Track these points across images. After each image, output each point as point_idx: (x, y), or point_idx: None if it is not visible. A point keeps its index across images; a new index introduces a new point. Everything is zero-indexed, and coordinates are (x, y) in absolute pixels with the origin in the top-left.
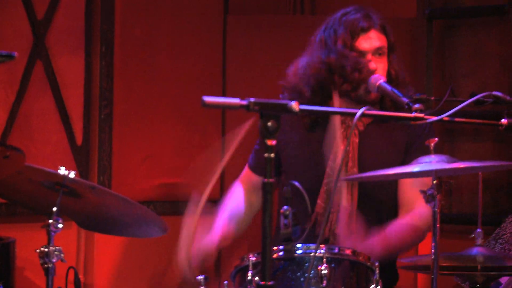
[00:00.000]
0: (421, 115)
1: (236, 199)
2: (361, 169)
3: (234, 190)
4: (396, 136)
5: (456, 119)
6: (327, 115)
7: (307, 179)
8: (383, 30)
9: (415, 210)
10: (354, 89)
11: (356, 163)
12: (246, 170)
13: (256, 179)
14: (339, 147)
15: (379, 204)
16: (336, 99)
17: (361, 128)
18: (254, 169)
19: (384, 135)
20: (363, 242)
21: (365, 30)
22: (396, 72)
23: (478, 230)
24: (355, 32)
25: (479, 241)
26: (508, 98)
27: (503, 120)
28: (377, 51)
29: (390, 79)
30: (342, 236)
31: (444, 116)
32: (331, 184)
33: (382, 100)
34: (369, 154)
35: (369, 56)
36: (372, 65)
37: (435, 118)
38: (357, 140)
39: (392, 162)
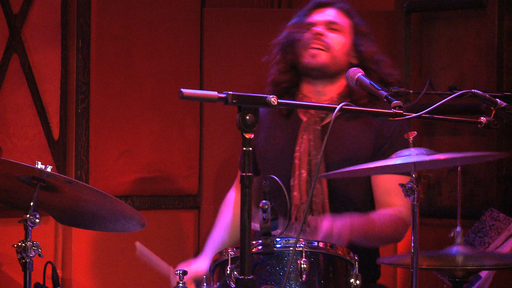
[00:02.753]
0: (401, 111)
1: (230, 208)
2: (327, 162)
3: (227, 198)
4: (364, 130)
5: (435, 116)
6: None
7: (278, 173)
8: (345, 12)
9: (395, 206)
10: (304, 61)
11: (318, 150)
12: (238, 173)
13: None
14: (302, 137)
15: (347, 199)
16: (303, 79)
17: (322, 115)
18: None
19: (351, 129)
20: (335, 222)
21: (321, 6)
22: (362, 55)
23: (457, 229)
24: (310, 8)
25: (459, 240)
26: (487, 95)
27: (482, 118)
28: (330, 25)
29: (359, 60)
30: (316, 226)
31: (423, 113)
32: (302, 175)
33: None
34: (335, 147)
35: (319, 26)
36: (317, 29)
37: (414, 114)
38: (318, 128)
39: (359, 156)
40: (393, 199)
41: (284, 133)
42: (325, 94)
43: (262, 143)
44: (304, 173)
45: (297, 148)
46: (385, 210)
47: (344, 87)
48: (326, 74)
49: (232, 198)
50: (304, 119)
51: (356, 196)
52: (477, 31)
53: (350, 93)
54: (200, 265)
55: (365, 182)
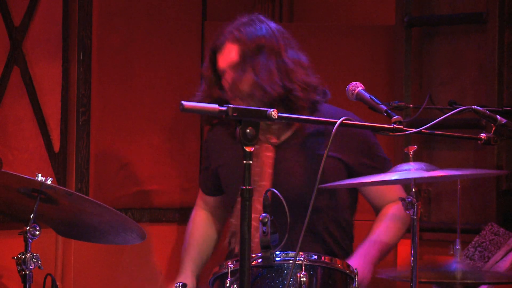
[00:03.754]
0: (401, 126)
1: (199, 228)
2: (275, 183)
3: (194, 218)
4: (316, 150)
5: (436, 132)
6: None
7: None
8: (234, 40)
9: (392, 203)
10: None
11: (270, 177)
12: (200, 193)
13: (209, 199)
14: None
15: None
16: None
17: (276, 143)
18: (204, 189)
19: (302, 150)
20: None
21: (217, 49)
22: (260, 74)
23: (457, 246)
24: (213, 55)
25: (458, 257)
26: (487, 112)
27: (482, 135)
28: (231, 65)
29: (258, 83)
30: None
31: (423, 129)
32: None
33: (286, 99)
34: (284, 169)
35: (228, 73)
36: (226, 81)
37: (414, 130)
38: (270, 155)
39: (307, 178)
40: (388, 197)
41: (235, 158)
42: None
43: (227, 164)
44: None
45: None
46: (386, 214)
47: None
48: (263, 101)
49: (198, 217)
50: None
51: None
52: (478, 46)
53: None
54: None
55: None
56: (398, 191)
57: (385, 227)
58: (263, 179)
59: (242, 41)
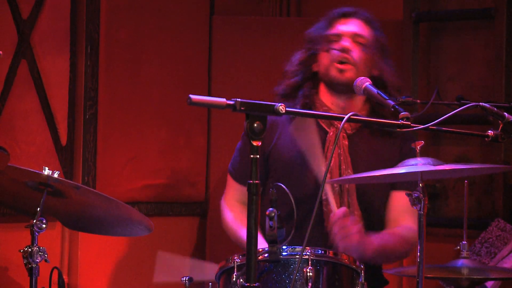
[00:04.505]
0: (408, 122)
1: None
2: (355, 170)
3: (227, 217)
4: (389, 145)
5: (443, 128)
6: (331, 119)
7: (300, 181)
8: (369, 23)
9: (403, 224)
10: (329, 75)
11: (349, 165)
12: (230, 183)
13: (243, 189)
14: (328, 151)
15: (375, 211)
16: (322, 90)
17: (349, 131)
18: (237, 179)
19: (377, 143)
20: (357, 243)
21: (346, 15)
22: (380, 73)
23: (463, 242)
24: (335, 17)
25: (464, 253)
26: (495, 109)
27: (489, 132)
28: (355, 38)
29: (373, 78)
30: (338, 237)
31: (430, 125)
32: (335, 189)
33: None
34: (361, 157)
35: (346, 39)
36: (345, 43)
37: (421, 126)
38: (346, 143)
39: (385, 165)
40: (404, 216)
41: (307, 142)
42: (350, 109)
43: (281, 144)
44: (337, 187)
45: (327, 162)
46: (392, 230)
47: (364, 102)
48: (350, 88)
49: (231, 215)
50: (330, 131)
51: (382, 208)
52: (485, 42)
53: (373, 109)
54: None
55: (387, 195)
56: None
57: (393, 235)
58: (348, 167)
59: (374, 27)
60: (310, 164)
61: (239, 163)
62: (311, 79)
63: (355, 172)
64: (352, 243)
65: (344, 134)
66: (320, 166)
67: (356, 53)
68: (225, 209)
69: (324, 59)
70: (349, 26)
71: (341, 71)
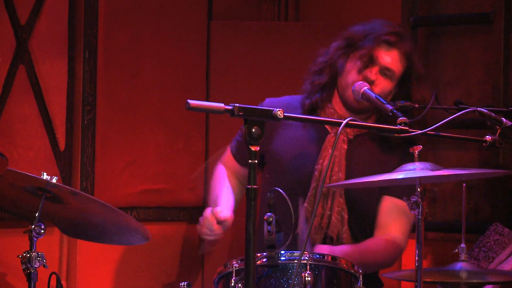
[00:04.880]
0: (406, 128)
1: (226, 182)
2: (348, 176)
3: (220, 171)
4: (388, 151)
5: (441, 133)
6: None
7: (293, 178)
8: (405, 56)
9: (389, 233)
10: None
11: (342, 169)
12: (228, 155)
13: (237, 165)
14: (328, 151)
15: (365, 214)
16: (336, 100)
17: (350, 136)
18: (235, 156)
19: (375, 145)
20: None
21: (389, 44)
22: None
23: (462, 245)
24: (379, 41)
25: (463, 256)
26: (493, 115)
27: (487, 137)
28: (385, 70)
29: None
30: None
31: (428, 130)
32: (318, 188)
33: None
34: (357, 162)
35: (376, 69)
36: (372, 76)
37: (419, 131)
38: (345, 147)
39: (381, 171)
40: (392, 223)
41: (308, 139)
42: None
43: (282, 139)
44: (325, 189)
45: (320, 161)
46: (381, 237)
47: (376, 119)
48: (362, 110)
49: (224, 173)
50: (331, 132)
51: (372, 211)
52: (484, 46)
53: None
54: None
55: (378, 199)
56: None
57: (374, 244)
58: (340, 170)
59: (409, 60)
60: (304, 160)
61: (238, 147)
62: (331, 83)
63: (347, 176)
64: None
65: (345, 138)
66: (312, 165)
67: (378, 87)
68: (218, 167)
69: (347, 76)
70: (386, 58)
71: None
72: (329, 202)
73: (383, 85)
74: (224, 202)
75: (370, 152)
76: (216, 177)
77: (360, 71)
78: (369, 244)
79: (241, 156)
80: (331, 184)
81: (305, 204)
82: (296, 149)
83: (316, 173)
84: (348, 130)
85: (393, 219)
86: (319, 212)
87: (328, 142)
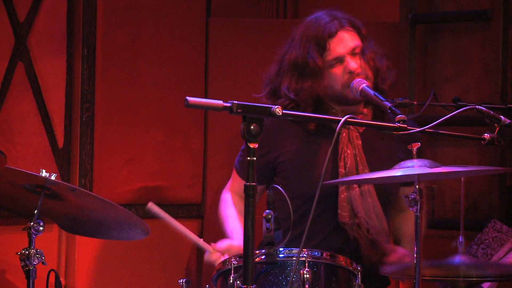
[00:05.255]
0: (404, 125)
1: (233, 207)
2: (372, 169)
3: (226, 199)
4: (395, 145)
5: (439, 131)
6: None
7: (307, 186)
8: (352, 26)
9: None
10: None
11: (365, 165)
12: (234, 177)
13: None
14: (346, 152)
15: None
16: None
17: (361, 130)
18: (241, 174)
19: (384, 144)
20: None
21: (334, 34)
22: (376, 65)
23: (461, 239)
24: (324, 37)
25: (461, 250)
26: (491, 112)
27: (485, 135)
28: (353, 51)
29: (374, 75)
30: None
31: (426, 128)
32: (355, 190)
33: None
34: (374, 154)
35: (348, 58)
36: (353, 66)
37: (417, 129)
38: (359, 142)
39: (396, 159)
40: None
41: (318, 145)
42: (363, 114)
43: (293, 152)
44: (357, 188)
45: (341, 163)
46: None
47: (367, 107)
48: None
49: (230, 199)
50: (343, 132)
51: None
52: (482, 44)
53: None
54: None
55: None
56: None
57: None
58: (364, 167)
59: (357, 27)
60: (319, 167)
61: (242, 162)
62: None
63: (371, 169)
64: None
65: (357, 133)
66: (332, 167)
67: (363, 65)
68: (223, 196)
69: (332, 82)
70: (343, 44)
71: (360, 84)
72: (368, 200)
73: (364, 61)
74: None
75: (383, 141)
76: (222, 208)
77: (340, 72)
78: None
79: (244, 171)
80: (330, 181)
81: (339, 211)
82: (311, 155)
83: (340, 176)
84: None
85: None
86: (361, 215)
87: (342, 142)
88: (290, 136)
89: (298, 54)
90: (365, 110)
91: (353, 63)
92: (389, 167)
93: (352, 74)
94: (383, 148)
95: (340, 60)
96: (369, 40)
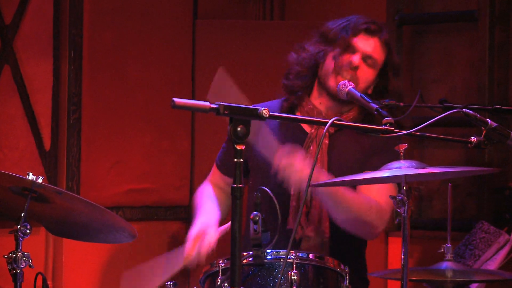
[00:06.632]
0: (391, 128)
1: (210, 196)
2: (330, 171)
3: (204, 188)
4: (364, 139)
5: (426, 134)
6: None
7: (278, 182)
8: (385, 44)
9: (375, 197)
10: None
11: (325, 165)
12: (214, 170)
13: (223, 179)
14: (309, 151)
15: None
16: (314, 95)
17: (332, 131)
18: (220, 168)
19: (354, 138)
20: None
21: (368, 32)
22: (381, 89)
23: (448, 245)
24: (359, 29)
25: (449, 255)
26: (478, 116)
27: (472, 138)
28: (367, 58)
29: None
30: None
31: (413, 131)
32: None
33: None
34: (338, 157)
35: (358, 56)
36: (356, 61)
37: (404, 132)
38: (327, 142)
39: (360, 165)
40: (374, 196)
41: (287, 142)
42: (335, 108)
43: (263, 144)
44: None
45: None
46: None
47: (359, 109)
48: (345, 100)
49: (209, 189)
50: (309, 133)
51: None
52: (469, 44)
53: (367, 114)
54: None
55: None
56: (383, 193)
57: (359, 194)
58: (323, 166)
59: (389, 49)
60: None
61: (223, 156)
62: (310, 77)
63: (329, 170)
64: (302, 176)
65: (326, 133)
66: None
67: (361, 72)
68: (203, 185)
69: (329, 65)
70: (367, 45)
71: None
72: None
73: (366, 73)
74: (204, 219)
75: (352, 142)
76: (199, 193)
77: (342, 58)
78: (356, 192)
79: (225, 166)
80: (318, 183)
81: (293, 203)
82: (271, 156)
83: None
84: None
85: (374, 194)
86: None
87: (308, 138)
88: (260, 131)
89: (331, 28)
90: (350, 113)
91: (358, 61)
92: (352, 172)
93: (349, 68)
94: (353, 152)
95: (352, 50)
96: (393, 65)
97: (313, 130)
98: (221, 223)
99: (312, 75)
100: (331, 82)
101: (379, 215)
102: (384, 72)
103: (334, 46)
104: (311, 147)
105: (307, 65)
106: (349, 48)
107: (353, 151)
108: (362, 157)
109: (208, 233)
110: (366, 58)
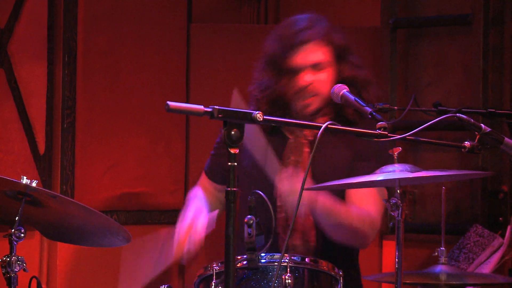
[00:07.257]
0: (385, 132)
1: (200, 199)
2: (314, 178)
3: (195, 193)
4: (346, 144)
5: (420, 139)
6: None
7: (261, 190)
8: (324, 41)
9: (365, 207)
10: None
11: (309, 173)
12: (203, 176)
13: (211, 184)
14: (289, 158)
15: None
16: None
17: (310, 138)
18: (208, 174)
19: (335, 144)
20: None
21: (302, 42)
22: (353, 76)
23: (442, 248)
24: (292, 45)
25: (443, 259)
26: (472, 120)
27: (465, 143)
28: (315, 67)
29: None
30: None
31: (407, 135)
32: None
33: (341, 108)
34: (321, 163)
35: (306, 72)
36: (307, 79)
37: (398, 136)
38: (307, 150)
39: (343, 171)
40: (365, 206)
41: (271, 148)
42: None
43: (247, 158)
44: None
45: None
46: (356, 206)
47: (332, 110)
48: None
49: (199, 191)
50: (290, 137)
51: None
52: (463, 48)
53: (338, 112)
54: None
55: (343, 194)
56: (373, 201)
57: (350, 207)
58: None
59: (331, 41)
60: (266, 172)
61: (211, 163)
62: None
63: (313, 177)
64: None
65: (305, 141)
66: (275, 174)
67: (317, 83)
68: (193, 189)
69: (287, 91)
70: (308, 56)
71: (306, 106)
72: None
73: (323, 78)
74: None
75: (330, 150)
76: (190, 195)
77: (293, 85)
78: (345, 205)
79: (213, 172)
80: (312, 187)
81: (282, 214)
82: (261, 159)
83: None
84: (306, 132)
85: (365, 202)
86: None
87: (288, 148)
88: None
89: (275, 50)
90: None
91: (308, 77)
92: (337, 178)
93: (303, 88)
94: (335, 158)
95: (299, 70)
96: (347, 53)
97: (291, 139)
98: (210, 225)
99: (276, 98)
100: (297, 106)
101: (371, 226)
102: (340, 60)
103: (281, 75)
104: (292, 157)
105: (266, 93)
106: (295, 71)
107: (336, 158)
108: (346, 163)
109: (198, 224)
110: (313, 67)
